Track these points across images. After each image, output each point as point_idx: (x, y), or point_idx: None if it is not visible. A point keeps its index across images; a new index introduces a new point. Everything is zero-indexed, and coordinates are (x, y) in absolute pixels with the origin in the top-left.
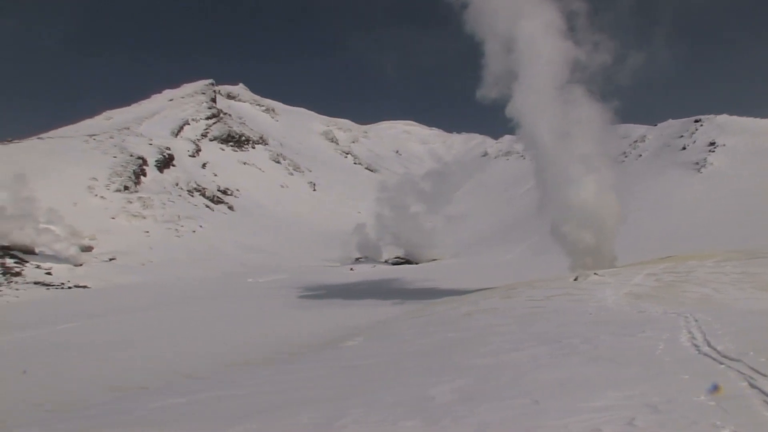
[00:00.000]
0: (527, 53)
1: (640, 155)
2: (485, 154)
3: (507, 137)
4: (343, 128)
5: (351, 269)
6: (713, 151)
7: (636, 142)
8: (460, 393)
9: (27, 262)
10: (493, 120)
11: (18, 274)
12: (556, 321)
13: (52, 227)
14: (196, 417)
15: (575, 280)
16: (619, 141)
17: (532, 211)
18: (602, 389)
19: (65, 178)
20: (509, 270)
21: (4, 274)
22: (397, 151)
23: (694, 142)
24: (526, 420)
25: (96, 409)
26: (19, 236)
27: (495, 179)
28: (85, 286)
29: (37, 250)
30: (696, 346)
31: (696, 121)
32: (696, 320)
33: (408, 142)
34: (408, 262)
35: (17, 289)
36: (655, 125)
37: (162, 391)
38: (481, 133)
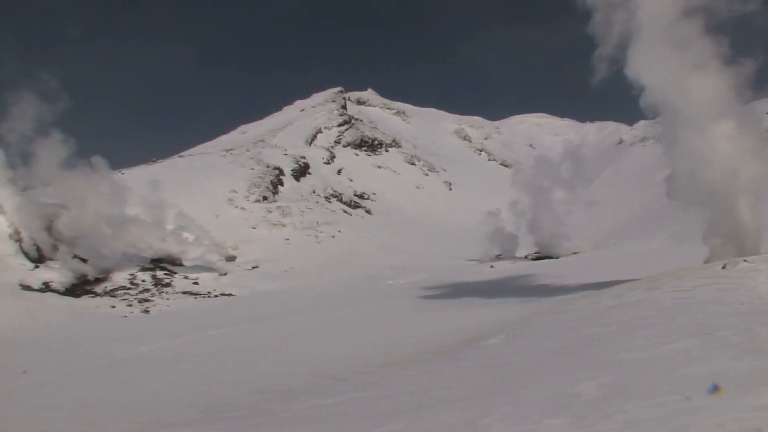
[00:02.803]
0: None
1: None
2: (620, 142)
3: (642, 122)
4: (475, 125)
5: (491, 266)
6: None
7: None
8: (606, 389)
9: (176, 273)
10: (626, 105)
11: (168, 284)
12: (705, 312)
13: (186, 234)
14: (342, 417)
15: (723, 268)
16: (765, 118)
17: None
18: (760, 385)
19: (206, 193)
20: (651, 260)
21: (155, 285)
22: (530, 145)
23: None
24: (678, 418)
25: (245, 410)
26: (151, 243)
27: (632, 167)
28: (230, 294)
29: (184, 262)
30: None
31: None
32: None
33: (541, 135)
34: (548, 256)
35: (168, 299)
36: None
37: (307, 392)
38: (615, 120)
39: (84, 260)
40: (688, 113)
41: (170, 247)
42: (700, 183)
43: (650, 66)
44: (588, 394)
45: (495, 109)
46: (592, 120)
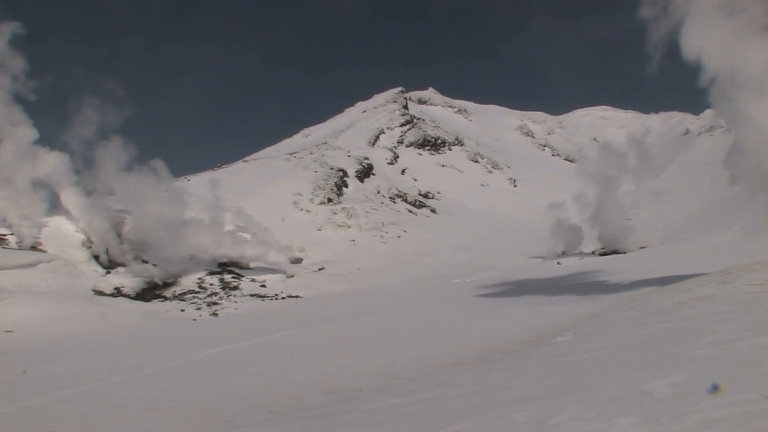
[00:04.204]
0: None
1: None
2: (687, 132)
3: (708, 111)
4: (537, 121)
5: (558, 263)
6: None
7: None
8: (679, 387)
9: (243, 276)
10: (691, 95)
11: (236, 287)
12: None
13: (245, 235)
14: (411, 417)
15: None
16: None
17: (743, 189)
18: None
19: (271, 196)
20: (722, 254)
21: (223, 288)
22: (594, 139)
23: None
24: (755, 418)
25: (314, 411)
26: (207, 246)
27: (700, 158)
28: (297, 296)
29: (251, 264)
30: None
31: None
32: None
33: (605, 128)
34: (615, 251)
35: (236, 302)
36: None
37: (376, 393)
38: (680, 110)
39: (152, 264)
40: (749, 83)
41: (227, 250)
42: (765, 159)
43: (708, 36)
44: (660, 393)
45: (557, 104)
46: (656, 111)
